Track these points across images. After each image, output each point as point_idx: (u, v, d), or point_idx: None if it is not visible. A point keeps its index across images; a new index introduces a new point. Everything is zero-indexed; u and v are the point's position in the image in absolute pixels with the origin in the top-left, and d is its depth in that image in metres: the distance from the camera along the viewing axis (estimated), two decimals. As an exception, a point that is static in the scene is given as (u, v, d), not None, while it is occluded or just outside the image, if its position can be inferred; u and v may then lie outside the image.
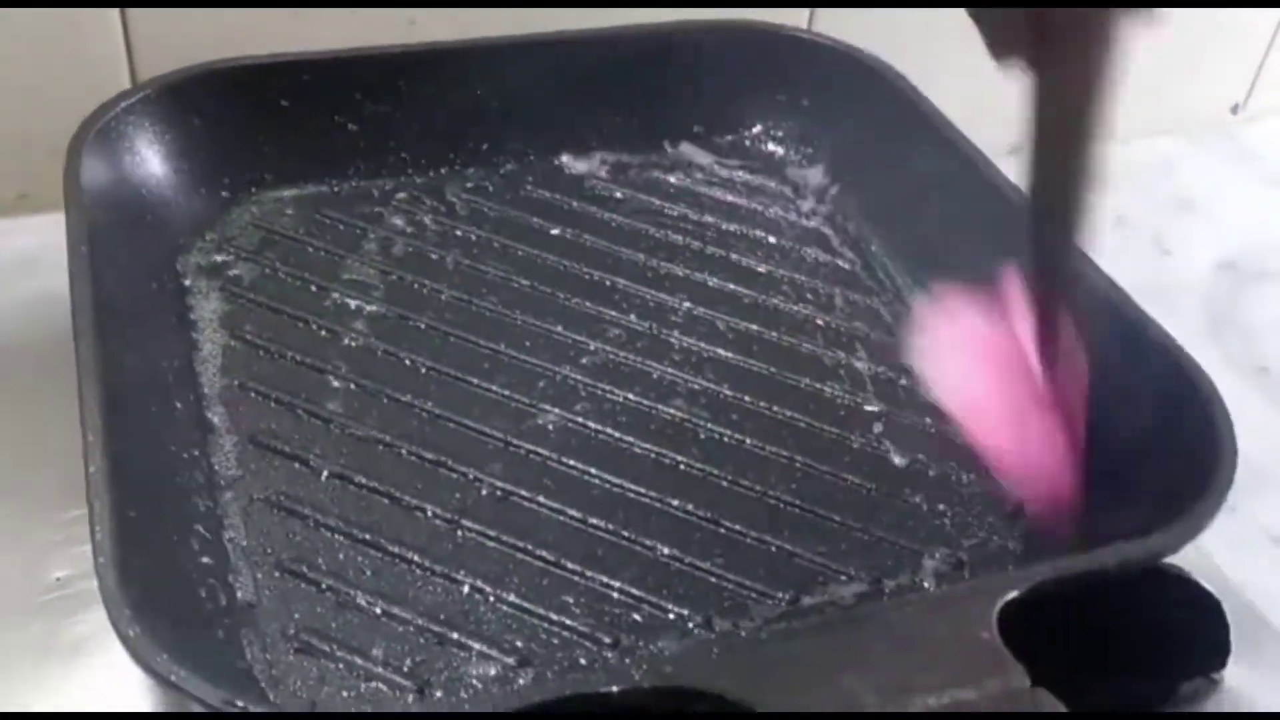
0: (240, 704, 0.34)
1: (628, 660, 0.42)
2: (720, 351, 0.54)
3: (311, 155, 0.59)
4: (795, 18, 0.67)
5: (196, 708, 0.35)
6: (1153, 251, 0.71)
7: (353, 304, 0.54)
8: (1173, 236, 0.72)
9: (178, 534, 0.42)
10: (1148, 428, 0.45)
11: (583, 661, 0.42)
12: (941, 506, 0.49)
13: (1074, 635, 0.41)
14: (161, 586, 0.39)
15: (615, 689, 0.35)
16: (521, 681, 0.41)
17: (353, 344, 0.52)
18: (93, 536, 0.38)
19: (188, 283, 0.54)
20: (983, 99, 0.60)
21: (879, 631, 0.37)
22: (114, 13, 0.58)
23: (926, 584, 0.46)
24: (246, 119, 0.57)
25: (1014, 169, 0.57)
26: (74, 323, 0.44)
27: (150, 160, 0.54)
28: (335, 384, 0.51)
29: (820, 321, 0.56)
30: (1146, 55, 0.79)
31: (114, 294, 0.46)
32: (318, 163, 0.59)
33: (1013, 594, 0.37)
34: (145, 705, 0.43)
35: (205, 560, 0.43)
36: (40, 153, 0.60)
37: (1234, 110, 0.82)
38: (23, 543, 0.47)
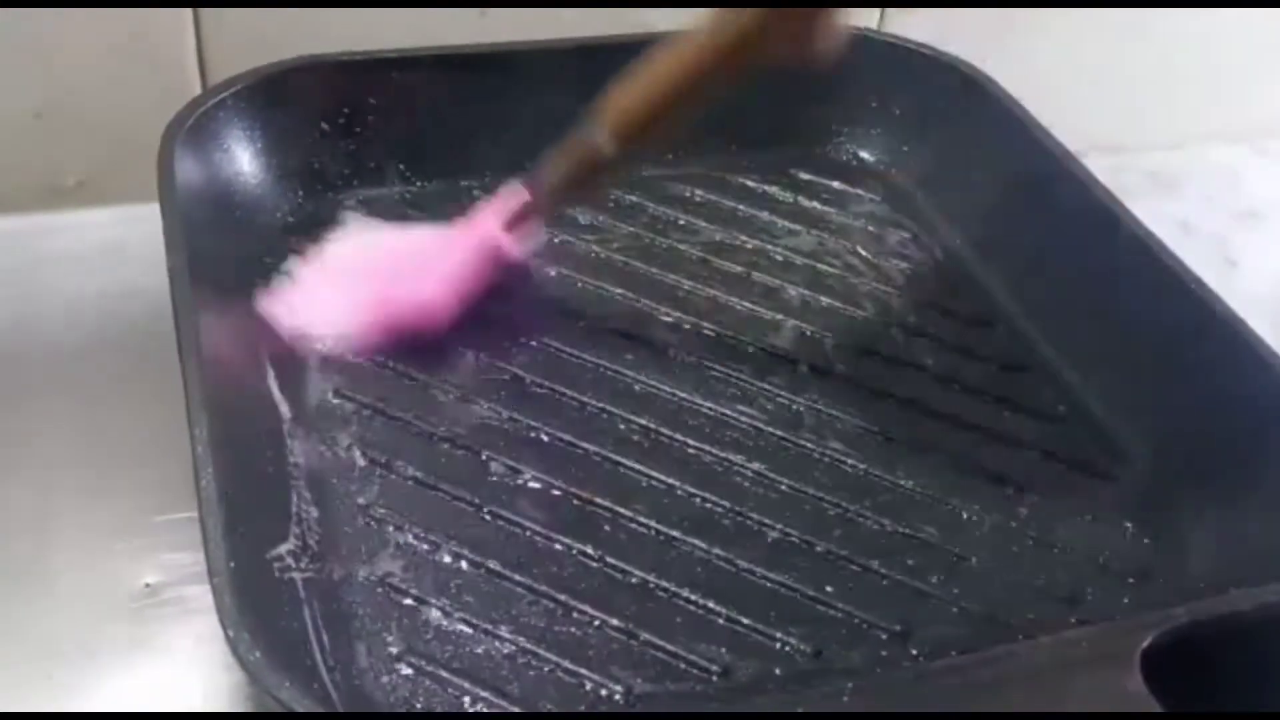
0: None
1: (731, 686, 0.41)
2: (814, 367, 0.53)
3: (399, 153, 0.57)
4: (866, 18, 0.66)
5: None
6: (1219, 262, 0.70)
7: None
8: (1239, 247, 0.71)
9: (284, 551, 0.41)
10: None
11: (698, 688, 0.41)
12: (1056, 546, 0.48)
13: (1195, 678, 0.40)
14: (271, 604, 0.38)
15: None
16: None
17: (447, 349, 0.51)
18: (208, 558, 0.37)
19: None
20: (1056, 100, 0.60)
21: (1020, 678, 0.36)
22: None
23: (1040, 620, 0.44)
24: (335, 116, 0.56)
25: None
26: (177, 326, 0.43)
27: (240, 157, 0.53)
28: (439, 396, 0.49)
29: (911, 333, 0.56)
30: (1210, 64, 0.78)
31: (209, 295, 0.45)
32: (405, 161, 0.58)
33: (1153, 636, 0.37)
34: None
35: (310, 576, 0.42)
36: (101, 140, 0.59)
37: (1298, 120, 0.82)
38: (112, 546, 0.46)
